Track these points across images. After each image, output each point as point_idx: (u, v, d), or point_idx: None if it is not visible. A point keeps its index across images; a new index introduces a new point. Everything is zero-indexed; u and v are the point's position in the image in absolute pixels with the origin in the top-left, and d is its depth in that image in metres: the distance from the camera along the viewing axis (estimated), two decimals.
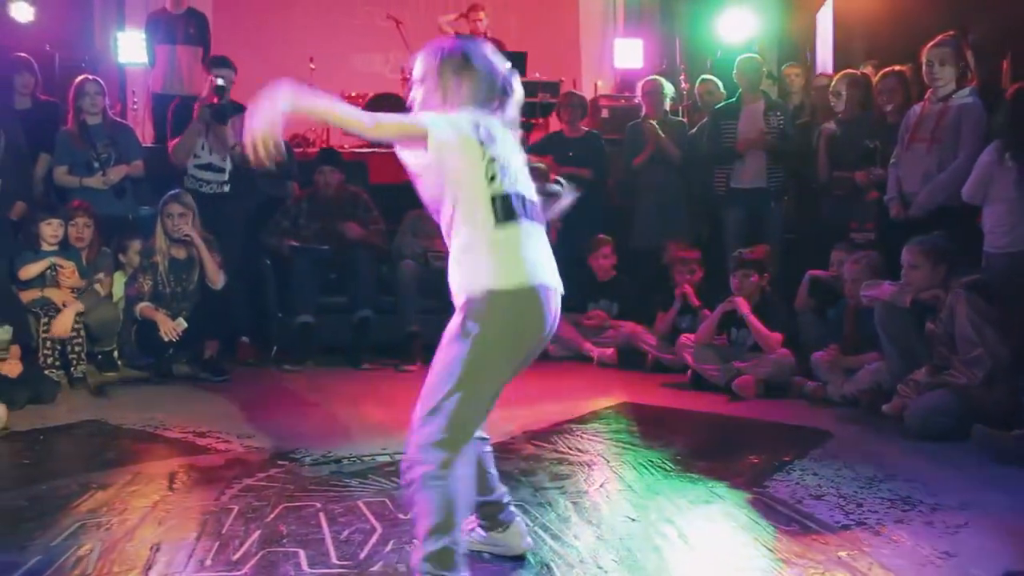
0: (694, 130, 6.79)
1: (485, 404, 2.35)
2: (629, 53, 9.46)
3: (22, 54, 6.53)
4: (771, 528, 2.89)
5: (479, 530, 2.68)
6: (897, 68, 5.55)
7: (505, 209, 2.32)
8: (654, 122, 6.59)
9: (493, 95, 2.47)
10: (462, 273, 2.34)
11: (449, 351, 2.30)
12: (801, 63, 7.56)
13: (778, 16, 8.72)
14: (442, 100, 2.44)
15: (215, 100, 5.94)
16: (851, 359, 4.83)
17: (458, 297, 2.35)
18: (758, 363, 5.04)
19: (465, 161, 2.31)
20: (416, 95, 2.53)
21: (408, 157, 2.41)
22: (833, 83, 6.06)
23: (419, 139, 2.28)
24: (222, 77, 6.03)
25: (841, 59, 7.48)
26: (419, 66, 2.52)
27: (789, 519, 2.98)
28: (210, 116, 5.94)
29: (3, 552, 2.68)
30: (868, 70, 6.25)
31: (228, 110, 5.94)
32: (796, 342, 5.21)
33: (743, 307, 5.17)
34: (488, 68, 2.47)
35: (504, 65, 2.52)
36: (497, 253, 2.30)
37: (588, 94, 8.78)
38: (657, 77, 6.99)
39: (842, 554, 2.66)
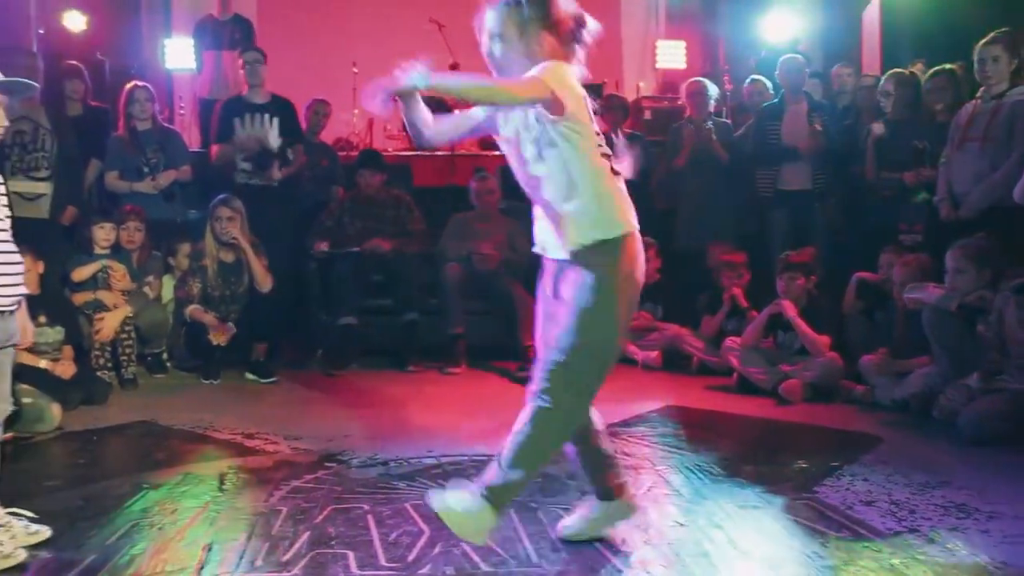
0: (740, 131, 6.74)
1: (612, 354, 2.54)
2: (671, 54, 9.41)
3: (73, 61, 6.67)
4: (821, 534, 2.86)
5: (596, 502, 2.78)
6: (947, 67, 5.47)
7: (611, 165, 2.53)
8: (708, 123, 6.56)
9: (573, 44, 2.50)
10: (581, 224, 2.47)
11: (581, 298, 2.45)
12: (852, 63, 7.43)
13: (822, 15, 8.62)
14: (526, 53, 2.46)
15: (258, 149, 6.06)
16: (901, 363, 4.75)
17: (572, 246, 2.48)
18: (805, 366, 4.99)
19: (586, 120, 2.44)
20: (494, 49, 2.51)
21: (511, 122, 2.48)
22: (881, 83, 5.98)
23: (558, 100, 2.36)
24: (250, 61, 6.15)
25: (888, 58, 7.37)
26: (495, 18, 2.49)
27: (840, 525, 2.94)
28: (252, 169, 6.04)
29: (62, 550, 2.74)
30: (917, 68, 6.16)
31: (269, 161, 6.05)
32: (844, 345, 5.14)
33: (789, 310, 5.11)
34: (568, 15, 2.50)
35: (575, 8, 2.54)
36: (618, 202, 2.50)
37: (630, 96, 8.75)
38: (701, 79, 6.94)
39: (895, 562, 2.62)
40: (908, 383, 4.61)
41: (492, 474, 2.47)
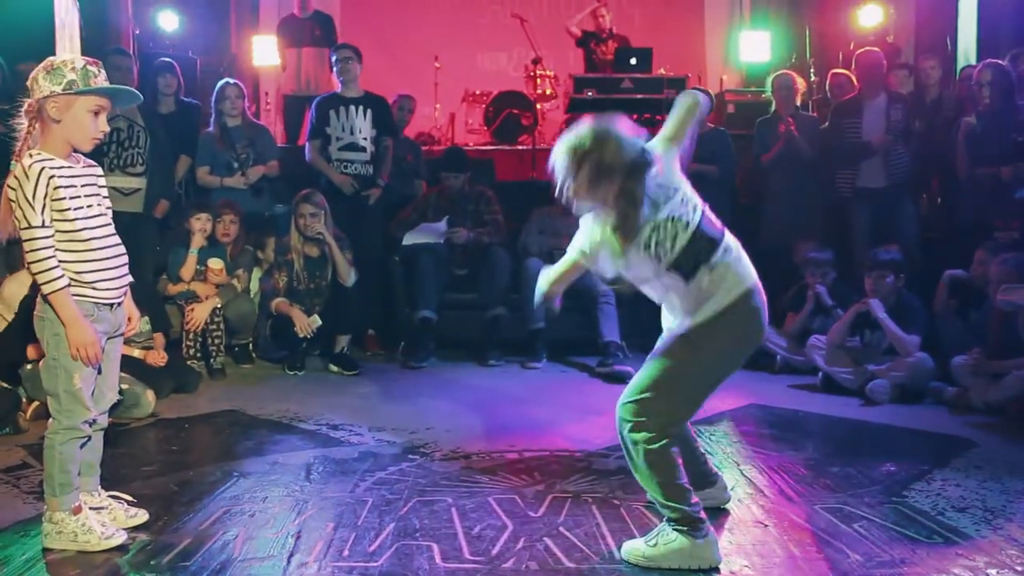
0: (826, 125, 6.59)
1: None
2: (755, 46, 9.24)
3: (166, 59, 6.87)
4: (911, 540, 2.79)
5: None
6: None
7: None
8: (789, 118, 6.43)
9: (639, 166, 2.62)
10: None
11: None
12: (937, 55, 7.19)
13: (915, 4, 8.37)
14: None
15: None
16: (996, 364, 4.59)
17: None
18: (893, 366, 4.86)
19: None
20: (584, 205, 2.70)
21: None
22: (976, 73, 5.78)
23: None
24: (341, 59, 6.21)
25: (985, 48, 7.11)
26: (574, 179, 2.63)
27: (931, 531, 2.87)
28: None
29: (159, 533, 2.85)
30: None
31: (367, 200, 6.19)
32: (935, 345, 5.00)
33: (877, 309, 4.99)
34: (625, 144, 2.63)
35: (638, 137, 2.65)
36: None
37: (713, 89, 8.64)
38: (788, 72, 6.81)
39: (992, 572, 2.54)
40: (1004, 385, 4.47)
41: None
